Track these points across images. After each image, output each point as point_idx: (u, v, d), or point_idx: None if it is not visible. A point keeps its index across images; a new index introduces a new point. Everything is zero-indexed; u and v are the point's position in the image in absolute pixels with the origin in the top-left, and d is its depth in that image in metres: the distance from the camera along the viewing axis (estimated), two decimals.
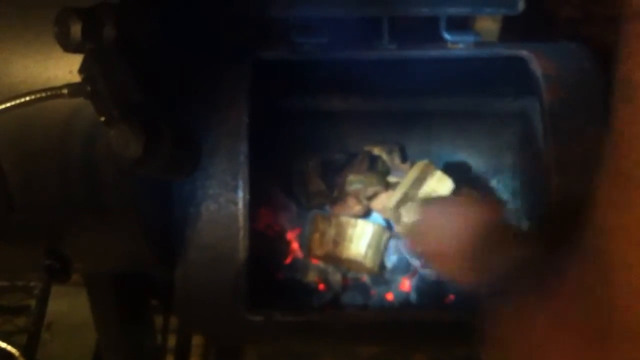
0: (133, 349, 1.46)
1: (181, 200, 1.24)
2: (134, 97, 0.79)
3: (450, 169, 1.55)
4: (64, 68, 0.92)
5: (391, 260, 1.49)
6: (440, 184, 1.51)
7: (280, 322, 1.30)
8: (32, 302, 1.06)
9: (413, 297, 1.46)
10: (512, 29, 1.45)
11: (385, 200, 1.53)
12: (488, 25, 1.46)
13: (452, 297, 1.46)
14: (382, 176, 1.58)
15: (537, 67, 1.29)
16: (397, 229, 1.52)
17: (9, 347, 0.96)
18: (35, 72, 0.93)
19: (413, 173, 1.52)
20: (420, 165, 1.54)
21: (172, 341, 1.82)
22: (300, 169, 1.60)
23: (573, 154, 1.21)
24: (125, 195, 1.00)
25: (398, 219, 1.50)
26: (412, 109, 1.58)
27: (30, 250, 1.09)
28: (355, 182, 1.57)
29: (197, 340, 1.89)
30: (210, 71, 1.31)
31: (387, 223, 1.53)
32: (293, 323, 1.30)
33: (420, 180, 1.51)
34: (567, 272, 0.53)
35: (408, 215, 1.49)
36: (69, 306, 1.70)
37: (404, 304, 1.45)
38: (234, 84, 1.29)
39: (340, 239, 1.49)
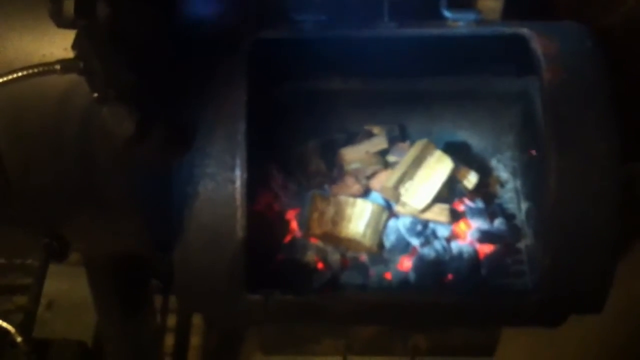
0: (133, 330, 1.46)
1: (179, 180, 1.23)
2: (127, 77, 0.79)
3: (450, 149, 1.54)
4: (59, 45, 0.92)
5: (390, 240, 1.48)
6: (439, 164, 1.50)
7: (280, 302, 1.30)
8: (31, 281, 1.06)
9: (412, 276, 1.46)
10: (513, 10, 1.44)
11: (385, 179, 1.53)
12: (490, 4, 1.44)
13: (450, 276, 1.46)
14: (381, 155, 1.58)
15: (537, 45, 1.28)
16: (396, 208, 1.52)
17: (5, 324, 0.97)
18: (31, 49, 0.93)
19: (413, 152, 1.52)
20: (420, 144, 1.53)
21: (171, 321, 1.83)
22: (300, 149, 1.60)
23: (572, 133, 1.21)
24: (121, 178, 1.00)
25: (397, 198, 1.50)
26: (412, 88, 1.57)
27: (27, 231, 1.10)
28: (355, 163, 1.57)
29: (197, 320, 1.89)
30: (208, 51, 1.30)
31: (386, 202, 1.53)
32: (292, 303, 1.30)
33: (419, 160, 1.51)
34: None
35: (407, 195, 1.49)
36: (70, 285, 1.70)
37: (403, 283, 1.45)
38: (232, 63, 1.28)
39: (339, 218, 1.49)
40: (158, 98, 0.80)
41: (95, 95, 0.78)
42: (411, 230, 1.49)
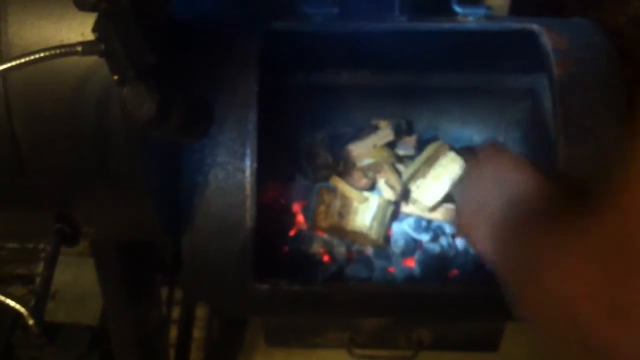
0: (139, 318, 1.47)
1: (190, 168, 1.24)
2: (148, 58, 0.80)
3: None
4: (77, 30, 0.93)
5: (398, 245, 1.49)
6: (453, 164, 1.51)
7: (287, 292, 1.30)
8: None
9: (417, 271, 1.47)
10: (522, 9, 1.45)
11: (390, 174, 1.53)
12: (497, 2, 1.45)
13: (455, 271, 1.47)
14: (390, 149, 1.59)
15: (547, 41, 1.29)
16: (404, 208, 1.53)
17: (18, 306, 0.97)
18: (48, 33, 0.93)
19: (426, 152, 1.53)
20: (434, 145, 1.55)
21: (175, 313, 1.83)
22: (308, 141, 1.61)
23: (582, 128, 1.22)
24: (134, 162, 1.01)
25: (407, 195, 1.51)
26: (421, 83, 1.58)
27: (40, 214, 1.10)
28: (364, 157, 1.57)
29: (200, 313, 1.90)
30: (220, 40, 1.31)
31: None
32: (300, 293, 1.31)
33: (432, 159, 1.52)
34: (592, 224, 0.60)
35: (417, 192, 1.50)
36: (74, 276, 1.71)
37: (408, 277, 1.45)
38: (244, 53, 1.29)
39: (345, 211, 1.50)
40: (178, 79, 0.81)
41: (116, 77, 0.79)
42: (417, 228, 1.50)
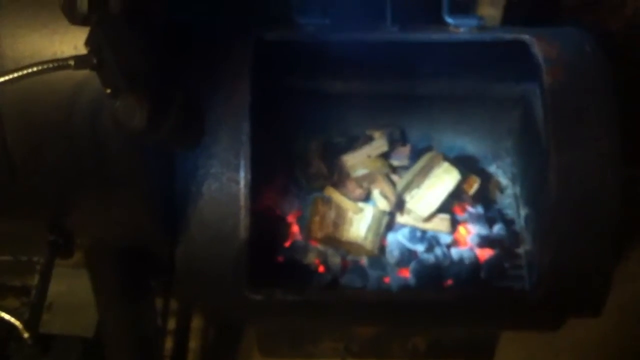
0: (133, 325, 1.46)
1: (183, 178, 1.24)
2: (142, 67, 0.80)
3: (458, 162, 1.56)
4: (69, 43, 0.93)
5: (394, 255, 1.50)
6: (447, 174, 1.52)
7: (281, 301, 1.31)
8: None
9: (412, 281, 1.47)
10: (516, 17, 1.46)
11: (385, 185, 1.54)
12: (489, 12, 1.46)
13: (450, 281, 1.47)
14: (384, 159, 1.59)
15: (538, 50, 1.29)
16: (399, 218, 1.53)
17: (12, 319, 0.97)
18: (41, 46, 0.94)
19: (421, 162, 1.54)
20: (428, 155, 1.55)
21: (171, 324, 1.82)
22: (302, 151, 1.61)
23: (573, 136, 1.22)
24: (130, 167, 1.02)
25: (401, 205, 1.52)
26: (414, 92, 1.58)
27: (35, 222, 1.10)
28: (358, 167, 1.58)
29: (196, 324, 1.89)
30: (213, 51, 1.32)
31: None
32: (294, 302, 1.31)
33: (426, 170, 1.52)
34: None
35: (412, 202, 1.51)
36: (69, 287, 1.70)
37: (403, 286, 1.46)
38: (237, 63, 1.30)
39: (340, 221, 1.50)
40: (171, 85, 0.81)
41: (108, 90, 0.79)
42: (412, 238, 1.51)
